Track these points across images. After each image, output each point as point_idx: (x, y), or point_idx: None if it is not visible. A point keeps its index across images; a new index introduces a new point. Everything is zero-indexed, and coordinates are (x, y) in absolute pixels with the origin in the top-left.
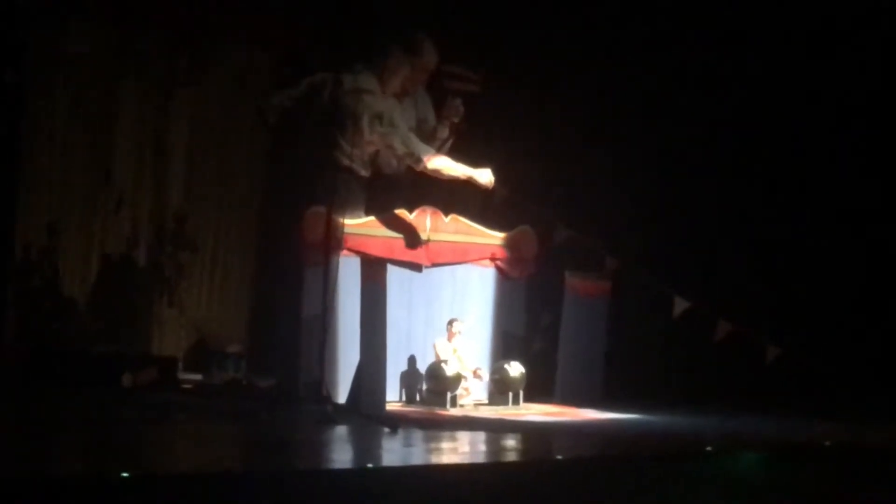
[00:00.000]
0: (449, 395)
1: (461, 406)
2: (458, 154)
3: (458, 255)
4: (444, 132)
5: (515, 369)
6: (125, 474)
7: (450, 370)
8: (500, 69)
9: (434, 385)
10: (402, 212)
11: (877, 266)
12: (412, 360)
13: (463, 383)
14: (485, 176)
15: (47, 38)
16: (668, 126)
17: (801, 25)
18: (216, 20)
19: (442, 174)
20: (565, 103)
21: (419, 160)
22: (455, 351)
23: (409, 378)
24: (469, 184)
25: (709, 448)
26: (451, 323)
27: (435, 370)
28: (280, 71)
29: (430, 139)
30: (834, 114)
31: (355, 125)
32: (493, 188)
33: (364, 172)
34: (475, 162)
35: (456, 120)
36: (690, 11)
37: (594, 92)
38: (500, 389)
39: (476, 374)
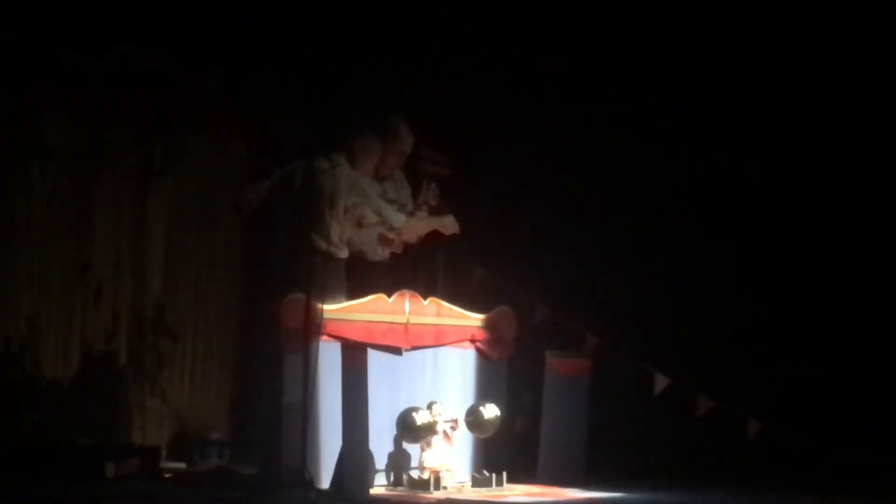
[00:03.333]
0: (433, 478)
1: (445, 488)
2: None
3: (438, 338)
4: (422, 216)
5: (490, 411)
6: None
7: (420, 419)
8: (476, 149)
9: (406, 434)
10: (380, 296)
11: (856, 343)
12: (399, 440)
13: (445, 448)
14: (449, 222)
15: (22, 132)
16: (645, 202)
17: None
18: (189, 110)
19: (415, 234)
20: (543, 181)
21: (392, 227)
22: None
23: (397, 458)
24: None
25: None
26: (430, 406)
27: (405, 418)
28: (255, 159)
29: None
30: (809, 182)
31: (331, 204)
32: (478, 273)
33: (342, 254)
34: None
35: (433, 203)
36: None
37: (571, 169)
38: (474, 430)
39: (454, 427)
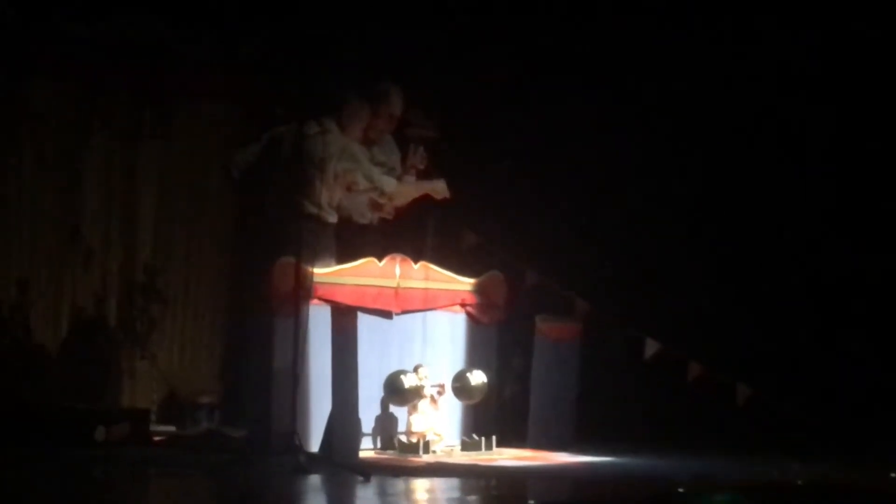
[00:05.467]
0: (422, 441)
1: (434, 452)
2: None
3: (428, 302)
4: (410, 180)
5: (477, 378)
6: None
7: (408, 381)
8: (466, 115)
9: (393, 397)
10: (371, 260)
11: (849, 309)
12: (386, 404)
13: (431, 412)
14: (440, 187)
15: (12, 96)
16: (636, 169)
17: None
18: (180, 75)
19: (406, 199)
20: (534, 147)
21: (383, 192)
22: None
23: (384, 421)
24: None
25: (681, 490)
26: (416, 369)
27: (393, 381)
28: (246, 123)
29: None
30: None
31: (321, 169)
32: (469, 238)
33: (332, 219)
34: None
35: (421, 167)
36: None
37: (562, 136)
38: (461, 397)
39: (441, 391)
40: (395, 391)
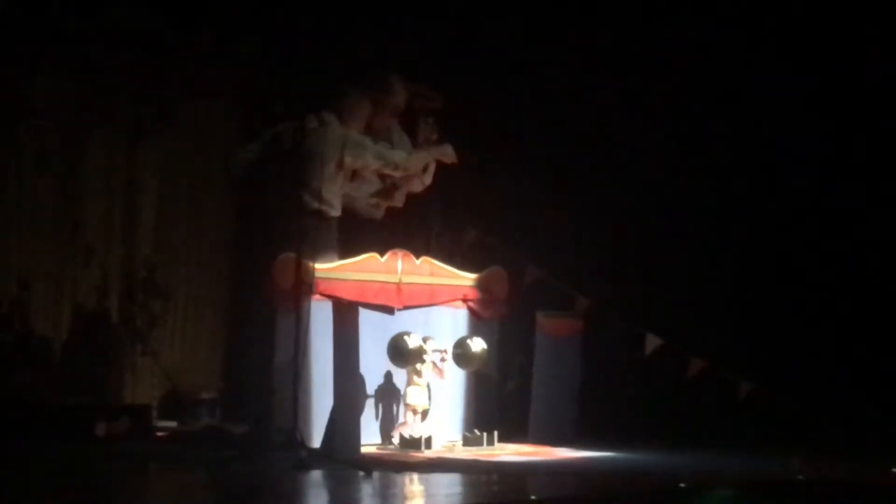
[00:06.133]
0: (423, 437)
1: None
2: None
3: (430, 297)
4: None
5: (477, 344)
6: None
7: (412, 342)
8: (468, 109)
9: (397, 358)
10: (373, 255)
11: (850, 303)
12: (388, 376)
13: (433, 378)
14: (448, 151)
15: (12, 93)
16: (637, 164)
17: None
18: (180, 70)
19: (418, 167)
20: (536, 144)
21: (397, 166)
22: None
23: (385, 394)
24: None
25: (682, 485)
26: (425, 340)
27: (397, 342)
28: (247, 119)
29: None
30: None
31: (322, 163)
32: (470, 234)
33: (334, 213)
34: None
35: (433, 138)
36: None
37: (565, 132)
38: (461, 364)
39: (443, 357)
40: (399, 352)
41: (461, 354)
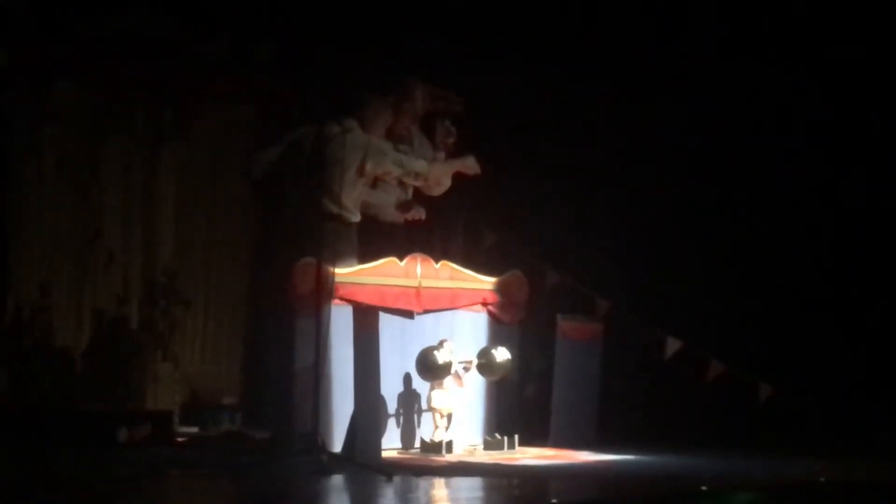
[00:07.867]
0: (444, 441)
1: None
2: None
3: (450, 301)
4: (441, 157)
5: (502, 354)
6: None
7: (441, 357)
8: (489, 113)
9: (425, 373)
10: (392, 259)
11: (870, 308)
12: (408, 379)
13: (455, 388)
14: (470, 162)
15: (32, 99)
16: (657, 166)
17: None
18: (198, 76)
19: (439, 178)
20: (556, 148)
21: (418, 174)
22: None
23: (406, 399)
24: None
25: (704, 488)
26: (441, 343)
27: (426, 357)
28: (266, 124)
29: None
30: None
31: (342, 169)
32: (490, 238)
33: (354, 218)
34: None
35: (451, 140)
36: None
37: (585, 136)
38: (486, 373)
39: (467, 367)
40: (428, 367)
41: (485, 364)
